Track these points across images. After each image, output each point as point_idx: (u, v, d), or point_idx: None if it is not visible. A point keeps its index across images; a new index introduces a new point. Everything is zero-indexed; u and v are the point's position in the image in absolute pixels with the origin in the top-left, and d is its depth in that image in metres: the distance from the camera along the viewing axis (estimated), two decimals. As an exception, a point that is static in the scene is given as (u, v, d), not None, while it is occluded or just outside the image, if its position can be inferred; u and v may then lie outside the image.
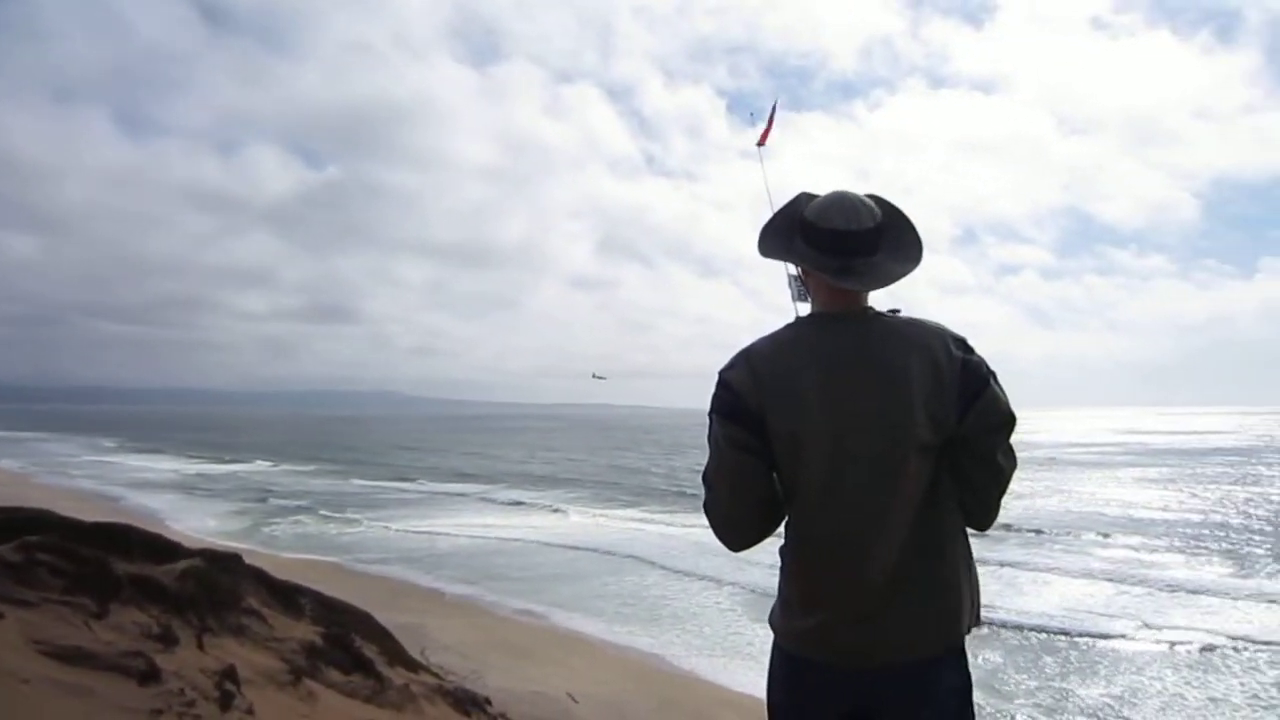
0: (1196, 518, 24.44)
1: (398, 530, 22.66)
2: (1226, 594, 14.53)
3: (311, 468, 46.64)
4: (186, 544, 6.72)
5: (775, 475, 1.76)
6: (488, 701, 6.45)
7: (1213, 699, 9.53)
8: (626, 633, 12.22)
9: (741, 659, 10.44)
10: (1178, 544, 19.82)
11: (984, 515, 1.78)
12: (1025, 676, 10.22)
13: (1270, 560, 17.89)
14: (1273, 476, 38.06)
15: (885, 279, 1.76)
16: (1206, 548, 19.31)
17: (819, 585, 1.72)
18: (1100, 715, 9.01)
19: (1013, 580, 15.82)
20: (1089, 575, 16.15)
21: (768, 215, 1.89)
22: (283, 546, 19.31)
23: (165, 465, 45.69)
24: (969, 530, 1.80)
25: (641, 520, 24.60)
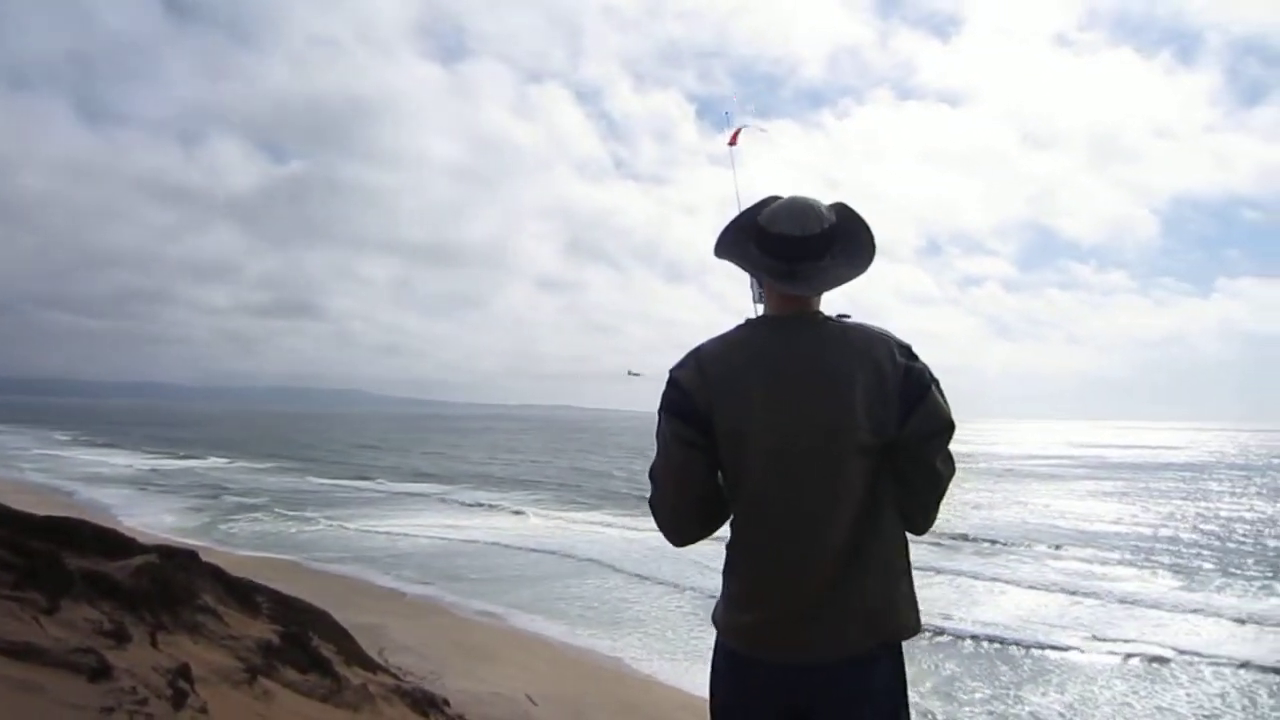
0: (1148, 531, 25.00)
1: (357, 529, 22.40)
2: (1175, 607, 14.87)
3: (269, 465, 45.96)
4: (141, 540, 6.60)
5: (721, 474, 1.80)
6: (446, 702, 6.41)
7: (1159, 708, 9.77)
8: (588, 635, 12.21)
9: (702, 663, 10.39)
10: (1129, 557, 20.25)
11: (921, 520, 1.82)
12: (980, 684, 10.38)
13: (1218, 574, 18.36)
14: (1222, 492, 39.06)
15: (830, 284, 1.79)
16: (1157, 561, 19.75)
17: (758, 582, 1.75)
18: (1048, 718, 9.19)
19: (968, 590, 16.06)
20: (1043, 587, 16.43)
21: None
22: (239, 544, 19.01)
23: (120, 460, 44.77)
24: (908, 534, 1.84)
25: (603, 523, 24.57)
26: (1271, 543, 23.25)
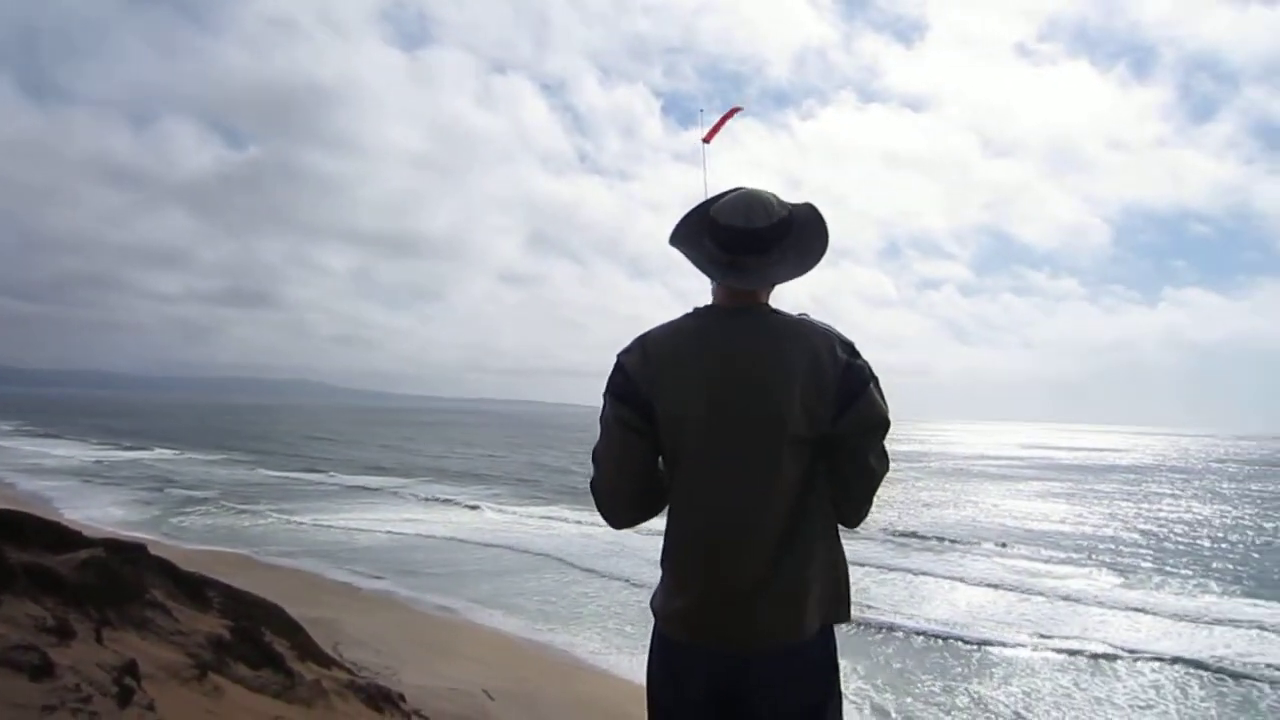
0: (1092, 531, 25.71)
1: (310, 523, 22.09)
2: (1116, 605, 15.33)
3: (219, 457, 45.08)
4: (87, 534, 6.45)
5: (661, 459, 1.82)
6: (402, 698, 6.37)
7: (1098, 700, 10.12)
8: (546, 630, 12.21)
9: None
10: (1074, 556, 20.81)
11: (853, 514, 1.84)
12: (931, 678, 10.61)
13: (1156, 573, 18.95)
14: (1162, 494, 40.29)
15: (772, 279, 1.80)
16: (1100, 560, 20.32)
17: (690, 568, 1.78)
18: (999, 715, 9.43)
19: (920, 587, 16.35)
20: (992, 584, 16.79)
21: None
22: (189, 538, 18.63)
23: (63, 451, 43.53)
24: (841, 527, 1.86)
25: (561, 519, 24.53)
26: (1205, 543, 24.07)
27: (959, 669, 11.14)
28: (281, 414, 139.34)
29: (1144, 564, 20.02)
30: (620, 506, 1.88)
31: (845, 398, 1.71)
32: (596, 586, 15.43)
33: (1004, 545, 22.05)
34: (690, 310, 1.84)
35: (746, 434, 1.70)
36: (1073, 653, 11.99)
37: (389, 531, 21.07)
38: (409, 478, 37.19)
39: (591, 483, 1.91)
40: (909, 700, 9.77)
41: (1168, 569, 19.47)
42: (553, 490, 32.99)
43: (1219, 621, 14.16)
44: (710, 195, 1.90)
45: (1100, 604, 15.33)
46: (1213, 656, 11.93)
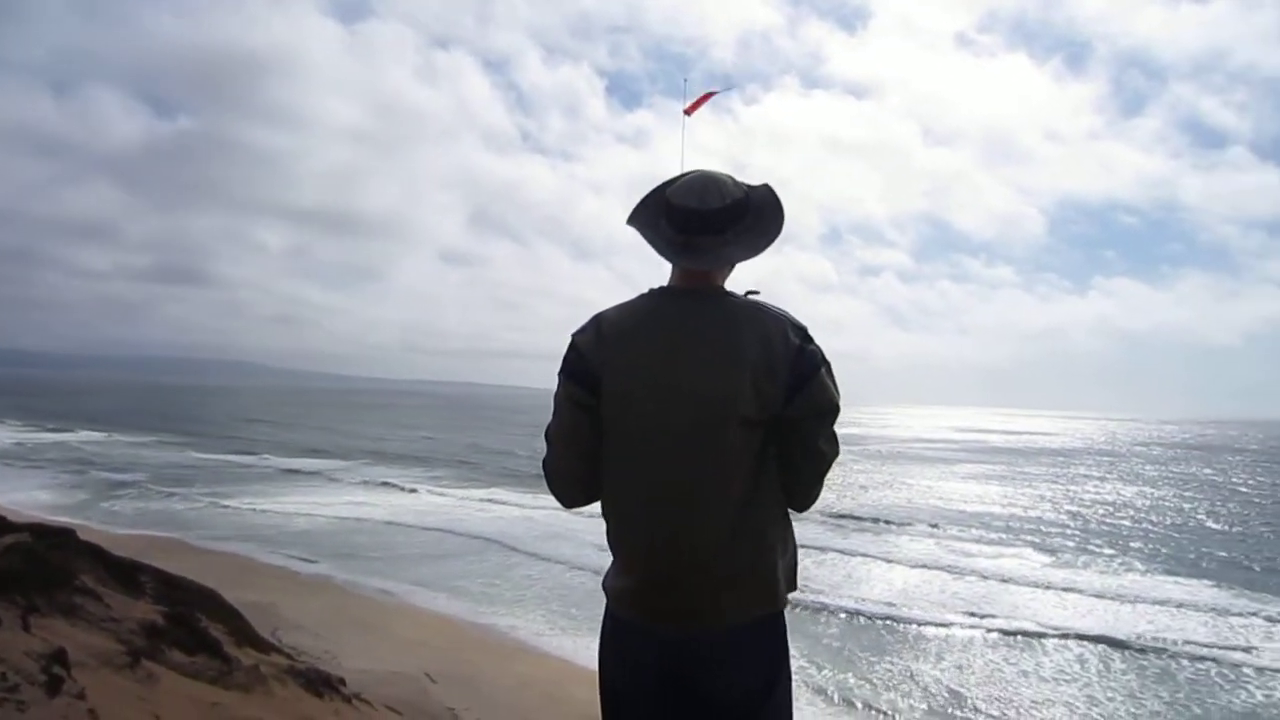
0: (1021, 512, 26.59)
1: (247, 507, 21.61)
2: (1043, 584, 15.91)
3: (148, 439, 43.72)
4: (11, 519, 6.22)
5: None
6: (342, 682, 6.29)
7: (1024, 673, 10.56)
8: (490, 613, 12.19)
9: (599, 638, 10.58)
10: (1005, 537, 21.52)
11: (803, 497, 1.85)
12: (868, 656, 10.90)
13: (1082, 553, 19.71)
14: (1089, 477, 41.88)
15: (726, 260, 1.81)
16: (1029, 541, 21.05)
17: (635, 547, 1.78)
18: (931, 690, 9.75)
19: (857, 568, 16.76)
20: (925, 565, 17.27)
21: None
22: (120, 522, 18.07)
23: (-20, 431, 41.75)
24: (791, 510, 1.88)
25: (504, 501, 24.44)
26: (1126, 524, 25.14)
27: (895, 647, 11.46)
28: (215, 395, 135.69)
29: (1070, 544, 20.81)
30: (571, 487, 1.88)
31: (796, 381, 1.72)
32: (539, 569, 15.43)
33: (937, 526, 22.68)
34: (646, 290, 1.84)
35: (692, 414, 1.70)
36: (1003, 631, 12.41)
37: (327, 515, 20.72)
38: (347, 460, 36.60)
39: (544, 462, 1.90)
40: (847, 678, 10.04)
41: (1092, 549, 20.28)
42: (494, 473, 32.80)
43: (1141, 599, 14.82)
44: (685, 169, 1.89)
45: (1030, 583, 15.89)
46: (1134, 633, 12.49)
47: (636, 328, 1.77)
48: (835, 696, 9.41)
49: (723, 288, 1.84)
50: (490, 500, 24.89)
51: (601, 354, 1.76)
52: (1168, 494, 34.54)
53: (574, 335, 1.82)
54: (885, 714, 9.00)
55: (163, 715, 3.93)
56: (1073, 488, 35.64)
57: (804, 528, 20.17)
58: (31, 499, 20.37)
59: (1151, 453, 66.96)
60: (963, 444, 69.46)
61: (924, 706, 9.23)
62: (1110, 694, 9.98)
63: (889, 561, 17.52)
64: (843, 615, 12.88)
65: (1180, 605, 14.50)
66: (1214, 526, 25.43)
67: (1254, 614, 14.00)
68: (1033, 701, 9.55)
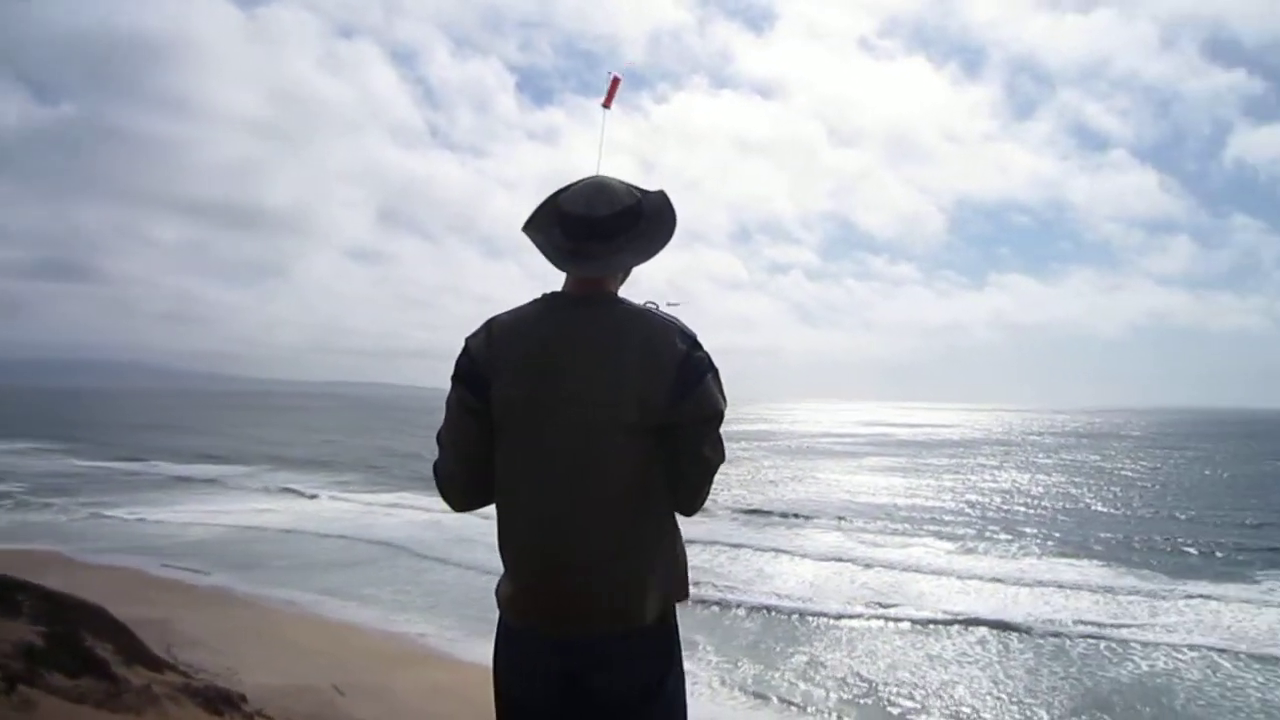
0: (924, 503, 27.64)
1: (135, 517, 20.47)
2: (946, 571, 16.54)
3: (23, 446, 41.13)
4: None
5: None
6: (243, 698, 5.99)
7: (930, 657, 10.96)
8: (401, 620, 11.85)
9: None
10: (909, 527, 22.30)
11: (689, 501, 1.85)
12: (781, 648, 11.09)
13: (980, 540, 20.60)
14: (987, 466, 43.90)
15: (615, 267, 1.80)
16: (932, 530, 21.88)
17: (519, 555, 1.78)
18: (843, 679, 9.98)
19: (766, 563, 17.01)
20: (834, 558, 17.67)
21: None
22: (-9, 536, 16.84)
23: None
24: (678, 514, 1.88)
25: (413, 506, 23.82)
26: (1021, 510, 26.47)
27: (808, 640, 11.69)
28: (103, 398, 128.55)
29: (970, 532, 21.71)
30: (458, 490, 1.87)
31: (681, 388, 1.71)
32: (451, 575, 15.11)
33: (845, 519, 23.30)
34: (540, 295, 1.83)
35: (576, 419, 1.70)
36: (911, 620, 12.81)
37: (224, 524, 19.82)
38: (246, 466, 35.18)
39: (434, 465, 1.89)
40: (762, 670, 10.17)
41: (990, 535, 21.22)
42: (402, 477, 31.97)
43: (1037, 582, 15.57)
44: (601, 166, 1.89)
45: (933, 571, 16.49)
46: (1030, 614, 13.09)
47: (526, 333, 1.76)
48: (750, 690, 9.52)
49: (615, 294, 1.83)
50: (398, 505, 24.25)
51: (491, 358, 1.76)
52: (1059, 480, 36.50)
53: (467, 338, 1.82)
54: (799, 705, 9.15)
55: (42, 745, 3.63)
56: (971, 477, 37.26)
57: (715, 524, 20.64)
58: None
59: (1044, 441, 70.74)
60: (868, 438, 71.78)
61: (837, 696, 9.43)
62: (1011, 673, 10.42)
63: (800, 555, 17.86)
64: (756, 610, 13.06)
65: (1073, 586, 15.29)
66: (1101, 510, 27.00)
67: (1137, 591, 14.92)
68: (940, 684, 9.89)
